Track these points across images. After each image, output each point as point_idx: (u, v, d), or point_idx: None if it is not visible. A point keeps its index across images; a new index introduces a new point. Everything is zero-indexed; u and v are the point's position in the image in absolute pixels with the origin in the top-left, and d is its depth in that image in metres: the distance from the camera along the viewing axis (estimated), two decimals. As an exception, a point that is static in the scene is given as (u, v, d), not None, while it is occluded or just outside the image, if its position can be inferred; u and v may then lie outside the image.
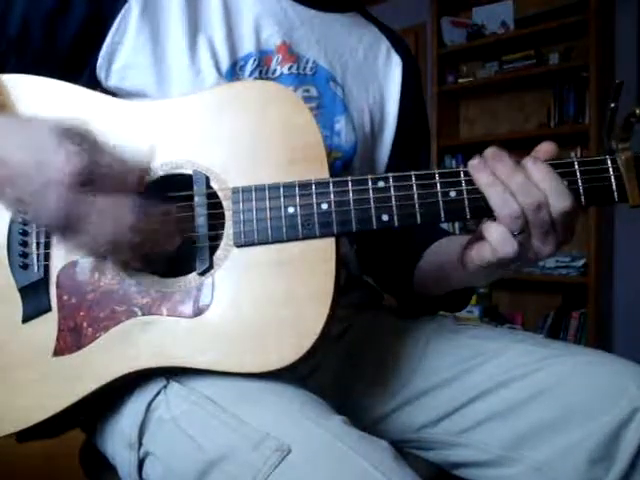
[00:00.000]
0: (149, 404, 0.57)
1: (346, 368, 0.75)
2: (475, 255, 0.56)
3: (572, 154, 2.95)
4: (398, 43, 0.85)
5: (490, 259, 0.54)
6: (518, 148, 3.19)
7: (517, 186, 0.51)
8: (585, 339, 2.87)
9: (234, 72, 0.68)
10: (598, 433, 0.57)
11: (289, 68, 0.71)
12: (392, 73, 0.82)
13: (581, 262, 2.87)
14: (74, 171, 0.47)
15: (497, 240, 0.53)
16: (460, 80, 3.36)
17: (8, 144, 0.49)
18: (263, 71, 0.70)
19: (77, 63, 0.66)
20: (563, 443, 0.59)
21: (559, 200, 0.52)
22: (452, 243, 0.70)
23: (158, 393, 0.57)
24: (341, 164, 0.74)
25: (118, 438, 0.59)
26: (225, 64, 0.67)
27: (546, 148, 0.55)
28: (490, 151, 0.53)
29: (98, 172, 0.48)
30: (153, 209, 0.52)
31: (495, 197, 0.52)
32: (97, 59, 0.65)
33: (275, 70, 0.71)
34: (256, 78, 0.69)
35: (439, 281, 0.72)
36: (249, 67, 0.69)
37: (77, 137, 0.49)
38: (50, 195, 0.47)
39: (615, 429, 0.57)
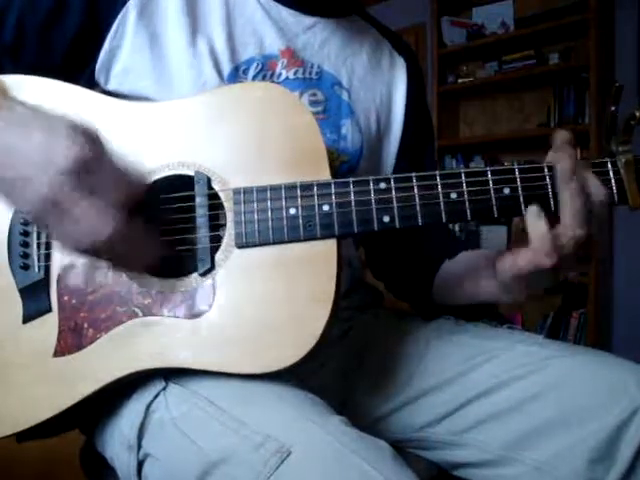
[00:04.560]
0: (148, 406, 0.57)
1: (347, 369, 0.76)
2: (510, 264, 0.57)
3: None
4: (399, 44, 0.85)
5: (524, 267, 0.55)
6: (518, 148, 3.22)
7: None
8: (585, 339, 2.87)
9: (236, 76, 0.68)
10: (598, 433, 0.57)
11: (295, 72, 0.71)
12: (397, 74, 0.82)
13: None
14: (77, 159, 0.45)
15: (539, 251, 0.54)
16: (460, 80, 3.35)
17: (27, 130, 0.47)
18: (267, 75, 0.70)
19: (74, 68, 0.65)
20: (564, 443, 0.59)
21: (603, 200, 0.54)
22: (479, 256, 0.70)
23: (157, 395, 0.57)
24: (347, 167, 0.74)
25: (117, 440, 0.59)
26: (227, 68, 0.67)
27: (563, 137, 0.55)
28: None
29: (98, 171, 0.47)
30: (135, 230, 0.49)
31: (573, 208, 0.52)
32: (95, 63, 0.65)
33: (280, 74, 0.70)
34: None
35: (462, 293, 0.72)
36: (252, 71, 0.69)
37: (88, 135, 0.48)
38: (44, 176, 0.45)
39: (615, 429, 0.57)
